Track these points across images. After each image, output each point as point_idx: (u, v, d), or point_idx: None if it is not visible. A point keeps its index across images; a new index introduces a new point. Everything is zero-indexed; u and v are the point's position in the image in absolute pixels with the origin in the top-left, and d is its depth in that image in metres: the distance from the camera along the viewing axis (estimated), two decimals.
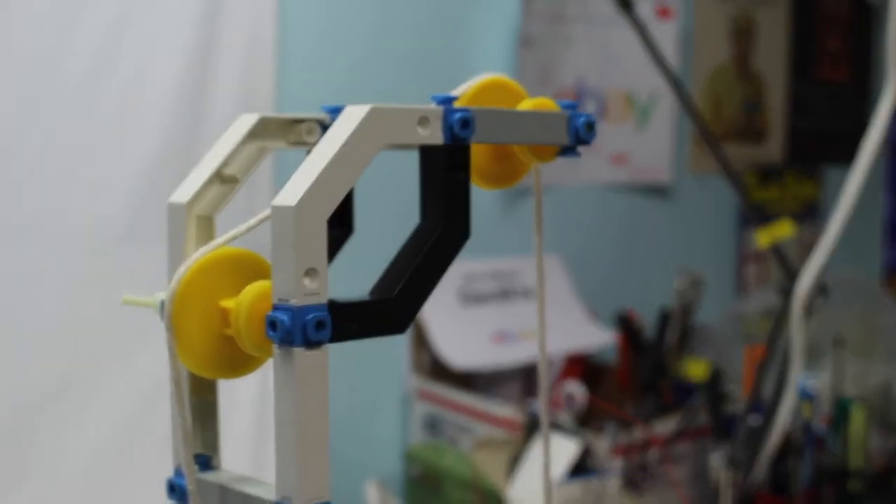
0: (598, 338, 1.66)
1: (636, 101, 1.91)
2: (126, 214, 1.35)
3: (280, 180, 1.41)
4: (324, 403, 0.52)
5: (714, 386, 1.44)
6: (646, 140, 1.93)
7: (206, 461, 0.59)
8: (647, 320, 1.67)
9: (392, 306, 0.54)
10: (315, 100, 1.39)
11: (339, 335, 0.51)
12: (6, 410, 1.26)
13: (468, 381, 1.58)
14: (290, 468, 0.51)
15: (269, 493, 0.54)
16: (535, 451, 1.30)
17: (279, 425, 0.52)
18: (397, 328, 0.55)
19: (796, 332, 1.23)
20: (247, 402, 1.37)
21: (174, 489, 0.59)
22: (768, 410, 1.28)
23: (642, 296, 1.82)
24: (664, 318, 1.62)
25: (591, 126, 0.62)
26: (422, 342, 1.58)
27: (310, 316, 0.50)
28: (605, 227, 1.91)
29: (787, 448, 1.30)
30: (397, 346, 1.59)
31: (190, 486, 0.55)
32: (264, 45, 1.43)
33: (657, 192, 1.98)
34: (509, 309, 1.65)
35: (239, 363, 0.56)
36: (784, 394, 1.26)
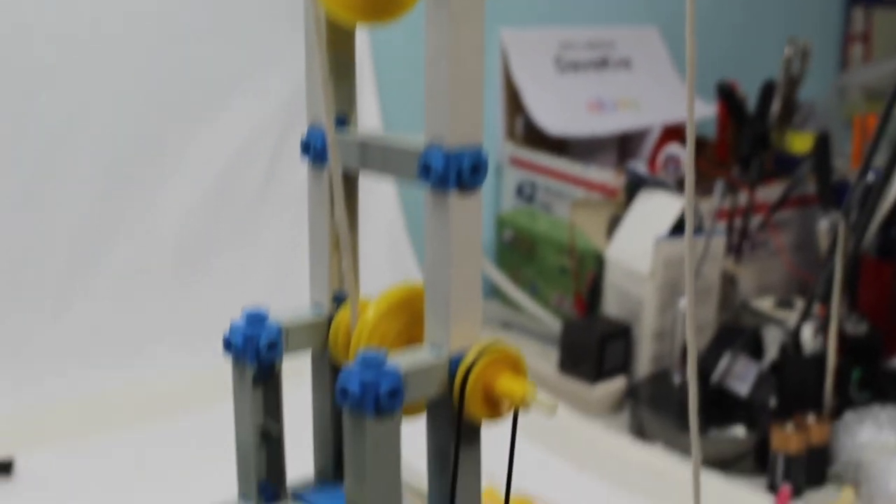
0: (697, 109, 1.60)
1: None
2: None
3: None
4: (479, 33, 0.48)
5: (822, 152, 1.38)
6: None
7: (342, 120, 0.55)
8: (748, 93, 1.60)
9: None
10: None
11: None
12: (100, 166, 1.25)
13: (562, 148, 1.54)
14: (442, 108, 0.48)
15: (415, 143, 0.50)
16: (636, 210, 1.27)
17: (430, 64, 0.48)
18: None
19: None
20: None
21: (308, 147, 0.56)
22: (881, 176, 1.23)
23: (742, 69, 1.75)
24: (768, 89, 1.55)
25: None
26: (515, 109, 1.53)
27: None
28: None
29: None
30: (489, 113, 1.54)
31: (329, 139, 0.52)
32: None
33: None
34: (606, 78, 1.59)
35: (384, 4, 0.52)
36: None
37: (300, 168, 1.34)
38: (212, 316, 1.21)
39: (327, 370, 0.56)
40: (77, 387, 1.14)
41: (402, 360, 0.49)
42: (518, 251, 1.45)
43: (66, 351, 1.18)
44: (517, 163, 1.52)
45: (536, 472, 0.97)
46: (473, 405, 0.49)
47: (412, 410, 0.52)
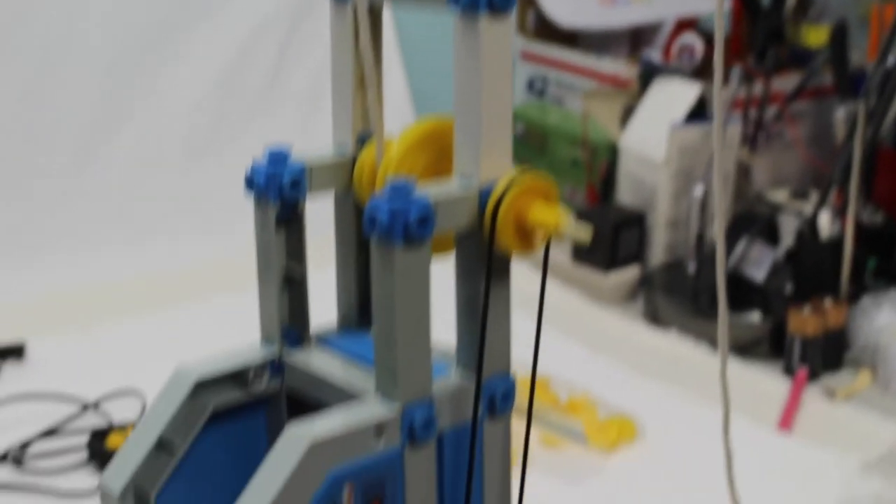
0: (711, 2, 1.57)
1: None
2: None
3: None
4: None
5: (839, 41, 1.35)
6: None
7: None
8: None
9: None
10: None
11: None
12: (108, 52, 1.23)
13: (573, 42, 1.51)
14: None
15: None
16: (651, 97, 1.25)
17: None
18: None
19: None
20: None
21: None
22: None
23: None
24: None
25: None
26: (526, 2, 1.50)
27: None
28: None
29: None
30: None
31: None
32: None
33: None
34: None
35: None
36: None
37: (310, 57, 1.33)
38: (222, 204, 1.20)
39: (351, 211, 0.55)
40: (87, 274, 1.14)
41: (432, 189, 0.47)
42: (529, 145, 1.43)
43: (77, 238, 1.18)
44: (528, 57, 1.49)
45: (552, 355, 0.96)
46: (505, 236, 0.48)
47: (440, 247, 0.51)
